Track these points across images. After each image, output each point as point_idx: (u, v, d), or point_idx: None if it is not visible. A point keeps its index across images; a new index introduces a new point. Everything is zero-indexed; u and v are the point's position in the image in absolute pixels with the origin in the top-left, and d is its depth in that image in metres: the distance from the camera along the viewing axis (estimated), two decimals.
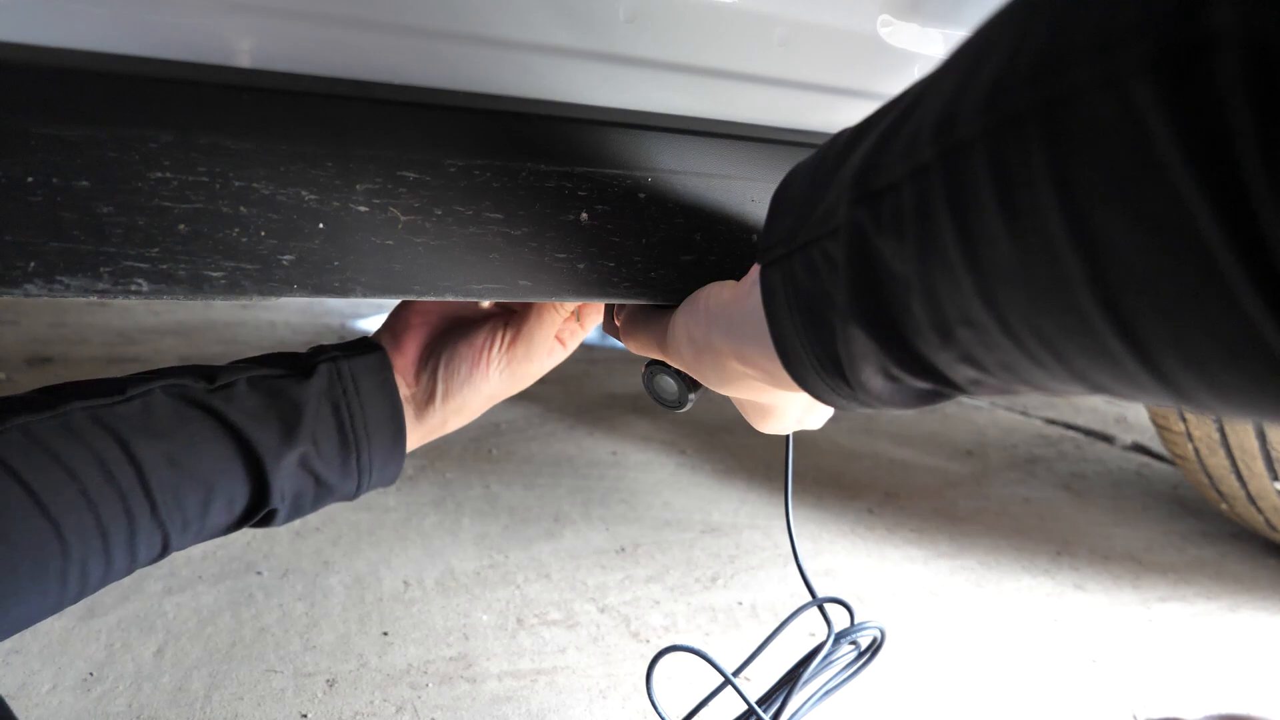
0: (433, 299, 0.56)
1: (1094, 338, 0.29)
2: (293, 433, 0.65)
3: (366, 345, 0.72)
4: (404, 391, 0.73)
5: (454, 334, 0.74)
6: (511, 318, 0.75)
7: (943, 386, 0.40)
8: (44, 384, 0.61)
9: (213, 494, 0.63)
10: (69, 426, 0.58)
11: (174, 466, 0.61)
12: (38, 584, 0.56)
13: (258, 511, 0.66)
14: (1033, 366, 0.33)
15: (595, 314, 0.77)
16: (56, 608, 0.58)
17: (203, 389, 0.64)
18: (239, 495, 0.65)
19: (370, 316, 2.86)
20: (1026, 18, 0.30)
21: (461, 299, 0.56)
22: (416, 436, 0.74)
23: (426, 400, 0.74)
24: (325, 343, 0.73)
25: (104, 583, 0.60)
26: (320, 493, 0.69)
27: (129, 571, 0.62)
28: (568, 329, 0.77)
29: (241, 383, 0.65)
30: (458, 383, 0.73)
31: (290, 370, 0.68)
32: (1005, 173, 0.29)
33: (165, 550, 0.63)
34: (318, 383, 0.68)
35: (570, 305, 0.74)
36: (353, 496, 0.71)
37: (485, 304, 0.77)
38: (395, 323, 0.75)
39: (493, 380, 0.74)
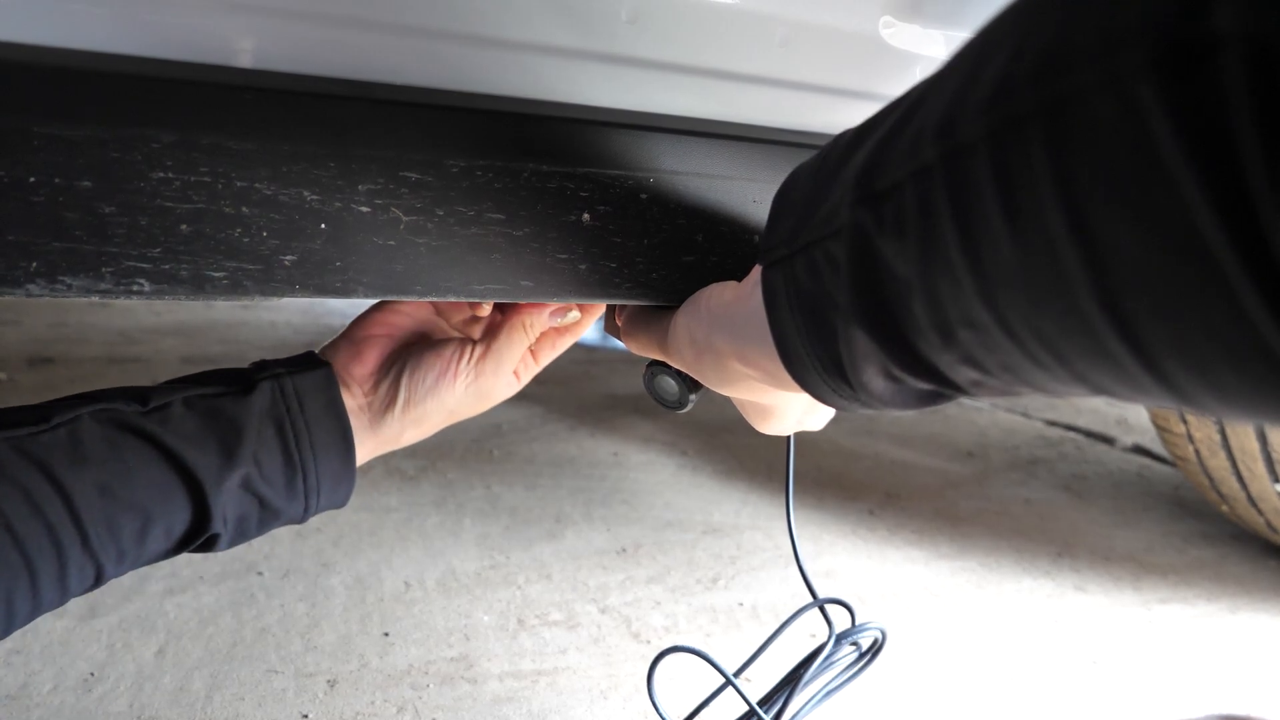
0: (434, 299, 0.56)
1: (1095, 339, 0.29)
2: (233, 454, 0.62)
3: (312, 361, 0.69)
4: (359, 400, 0.70)
5: (420, 346, 0.72)
6: (480, 336, 0.74)
7: (944, 388, 0.40)
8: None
9: (150, 522, 0.60)
10: None
11: (106, 496, 0.58)
12: None
13: (198, 537, 0.63)
14: (1034, 368, 0.33)
15: (550, 349, 0.76)
16: None
17: (135, 412, 0.61)
18: (178, 521, 0.62)
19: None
20: (1029, 19, 0.30)
21: (463, 299, 0.56)
22: (369, 448, 0.71)
23: (385, 408, 0.70)
24: (268, 358, 0.70)
25: (31, 618, 0.58)
26: (265, 516, 0.66)
27: (60, 604, 0.59)
28: (523, 363, 0.75)
29: (177, 403, 0.62)
30: (422, 391, 0.70)
31: (229, 388, 0.65)
32: (1007, 174, 0.29)
33: (99, 581, 0.60)
34: (259, 400, 0.64)
35: (539, 328, 0.73)
36: (301, 519, 0.68)
37: (451, 324, 0.76)
38: (355, 332, 0.73)
39: (458, 392, 0.72)
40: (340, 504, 0.70)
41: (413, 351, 0.72)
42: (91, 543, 0.57)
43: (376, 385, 0.71)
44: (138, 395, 0.62)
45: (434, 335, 0.74)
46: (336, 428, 0.67)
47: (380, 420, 0.71)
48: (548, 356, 0.76)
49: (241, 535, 0.66)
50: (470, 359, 0.71)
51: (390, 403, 0.70)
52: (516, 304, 0.72)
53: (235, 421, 0.63)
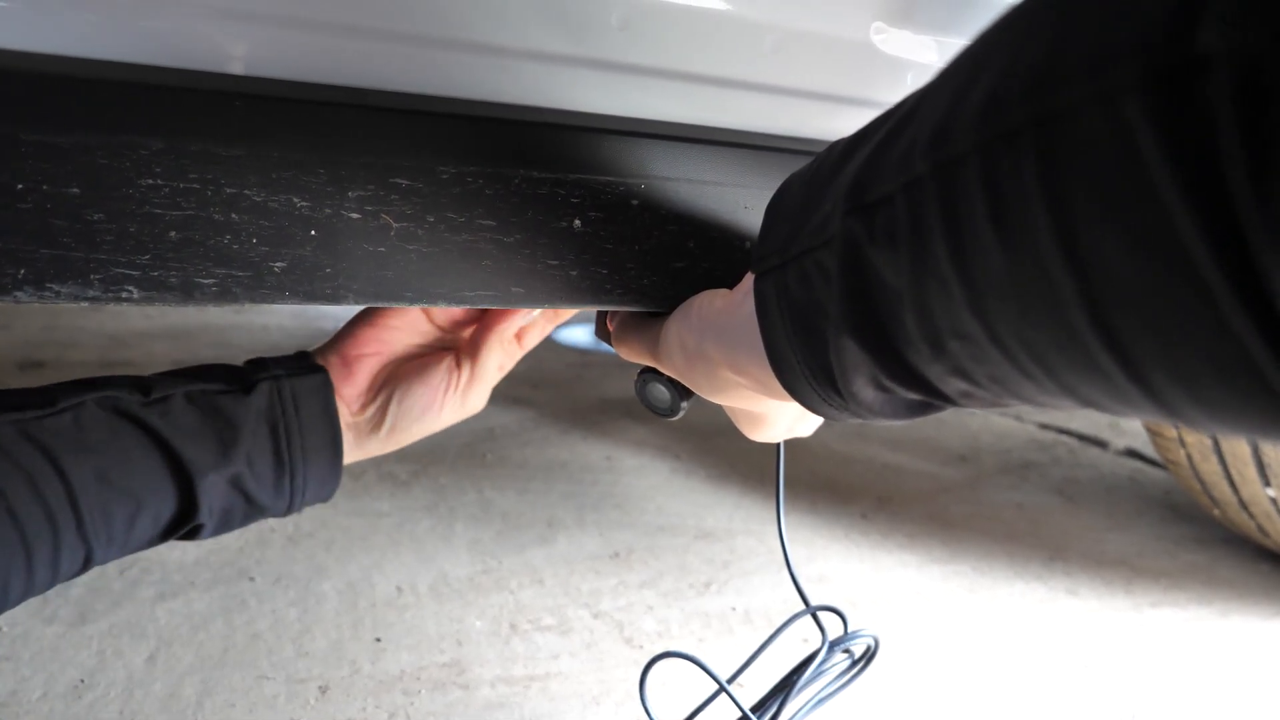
0: (424, 305, 0.56)
1: (1084, 352, 0.29)
2: (227, 452, 0.64)
3: (309, 365, 0.71)
4: (347, 418, 0.72)
5: (409, 370, 0.74)
6: (463, 356, 0.75)
7: (933, 398, 0.40)
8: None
9: (140, 509, 0.62)
10: None
11: (103, 483, 0.60)
12: None
13: (182, 527, 0.65)
14: (1023, 380, 0.33)
15: (536, 334, 0.78)
16: None
17: (137, 401, 0.62)
18: (166, 511, 0.63)
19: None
20: (1021, 34, 0.30)
21: (454, 305, 0.56)
22: (351, 457, 0.73)
23: (371, 429, 0.73)
24: (265, 356, 0.71)
25: (24, 598, 0.59)
26: (250, 510, 0.68)
27: (49, 586, 0.60)
28: (508, 355, 0.77)
29: (178, 397, 0.64)
30: (410, 420, 0.73)
31: (229, 385, 0.66)
32: (998, 187, 0.29)
33: (87, 565, 0.61)
34: (257, 401, 0.66)
35: (514, 330, 0.76)
36: (284, 514, 0.70)
37: (437, 324, 0.78)
38: (346, 348, 0.73)
39: (446, 415, 0.75)
40: (325, 499, 0.72)
41: (402, 377, 0.73)
42: (86, 527, 0.59)
43: (365, 407, 0.73)
44: (140, 385, 0.64)
45: (422, 347, 0.76)
46: (328, 432, 0.69)
47: (365, 438, 0.73)
48: (533, 340, 0.79)
49: (225, 526, 0.67)
50: (456, 388, 0.74)
51: (377, 425, 0.73)
52: (495, 312, 0.75)
53: (232, 421, 0.65)
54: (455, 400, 0.74)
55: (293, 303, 0.51)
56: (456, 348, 0.77)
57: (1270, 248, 0.22)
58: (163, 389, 0.64)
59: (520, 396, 2.02)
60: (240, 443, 0.65)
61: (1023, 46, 0.29)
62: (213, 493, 0.64)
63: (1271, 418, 0.26)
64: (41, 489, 0.57)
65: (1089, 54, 0.26)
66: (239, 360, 0.70)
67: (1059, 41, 0.27)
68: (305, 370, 0.69)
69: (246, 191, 0.48)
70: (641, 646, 1.04)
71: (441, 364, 0.74)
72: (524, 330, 0.77)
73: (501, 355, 0.76)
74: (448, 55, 0.52)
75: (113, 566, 1.10)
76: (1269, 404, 0.25)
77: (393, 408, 0.72)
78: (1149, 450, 1.99)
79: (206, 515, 0.64)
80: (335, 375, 0.71)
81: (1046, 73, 0.27)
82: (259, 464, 0.66)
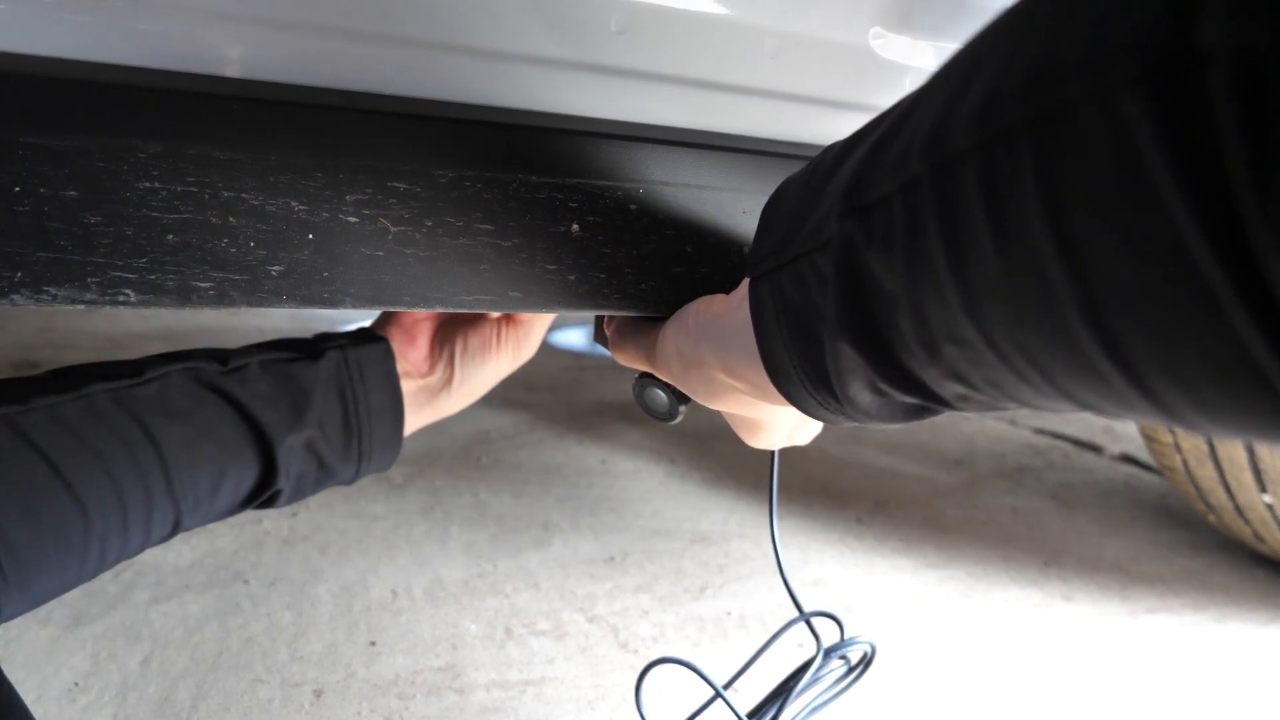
0: (423, 309, 0.56)
1: (1081, 356, 0.29)
2: (301, 416, 0.68)
3: (371, 336, 0.75)
4: (417, 382, 0.76)
5: (461, 325, 0.79)
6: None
7: (930, 402, 0.40)
8: None
9: (224, 475, 0.65)
10: (93, 408, 0.60)
11: (189, 448, 0.63)
12: (60, 559, 0.58)
13: (263, 493, 0.68)
14: (1020, 383, 0.33)
15: None
16: (75, 583, 0.60)
17: (216, 371, 0.66)
18: (247, 477, 0.67)
19: (358, 324, 2.85)
20: (1018, 33, 0.30)
21: (451, 309, 0.56)
22: (424, 417, 0.78)
23: (442, 386, 0.78)
24: (328, 330, 0.76)
25: (119, 559, 0.62)
26: (322, 475, 0.71)
27: (141, 549, 0.63)
28: None
29: (254, 365, 0.68)
30: (474, 369, 0.78)
31: (299, 354, 0.71)
32: (995, 188, 0.29)
33: (175, 529, 0.65)
34: (326, 368, 0.70)
35: None
36: (351, 480, 0.74)
37: None
38: (402, 317, 0.78)
39: (503, 363, 0.80)
40: (385, 468, 0.77)
41: (457, 332, 0.79)
42: (175, 490, 0.63)
43: (433, 367, 0.78)
44: (219, 355, 0.68)
45: None
46: (391, 397, 0.74)
47: (436, 397, 0.78)
48: None
49: (299, 492, 0.71)
50: (507, 335, 0.80)
51: (447, 382, 0.78)
52: None
53: (304, 386, 0.69)
54: (508, 344, 0.79)
55: (290, 306, 0.51)
56: None
57: (1274, 247, 0.22)
58: (239, 359, 0.68)
59: (516, 400, 2.02)
60: (312, 407, 0.68)
61: (1019, 45, 0.29)
62: (290, 457, 0.68)
63: (1273, 420, 0.25)
64: (135, 453, 0.60)
65: (1086, 52, 0.25)
66: None
67: (1055, 40, 0.27)
68: (368, 340, 0.74)
69: (244, 195, 0.48)
70: (637, 651, 1.04)
71: (490, 316, 0.79)
72: None
73: (545, 317, 0.82)
74: (446, 59, 0.52)
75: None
76: (1271, 406, 0.25)
77: (458, 362, 0.78)
78: (1144, 455, 1.99)
79: (284, 480, 0.68)
80: (398, 344, 0.76)
81: (1043, 71, 0.27)
82: (329, 428, 0.70)
